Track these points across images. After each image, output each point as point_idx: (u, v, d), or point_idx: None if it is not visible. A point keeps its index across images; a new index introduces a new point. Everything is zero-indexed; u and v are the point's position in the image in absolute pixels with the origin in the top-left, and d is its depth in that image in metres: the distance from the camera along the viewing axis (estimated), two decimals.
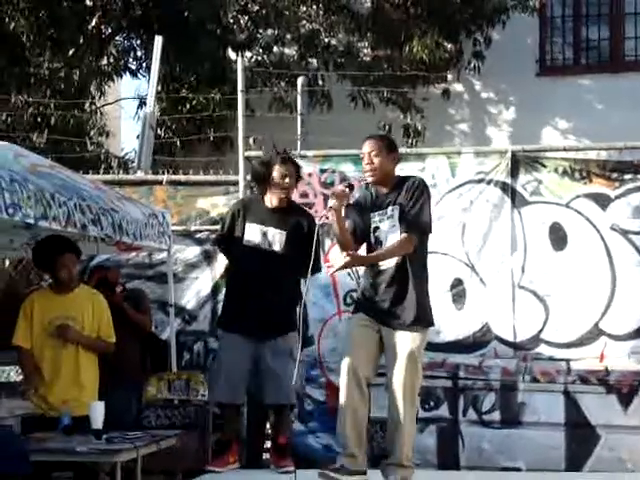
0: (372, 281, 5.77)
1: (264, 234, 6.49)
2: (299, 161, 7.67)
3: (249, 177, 7.87)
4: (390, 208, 5.72)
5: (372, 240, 5.80)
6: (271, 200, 6.55)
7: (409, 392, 5.57)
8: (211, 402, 6.73)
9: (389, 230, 5.71)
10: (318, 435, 7.55)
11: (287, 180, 6.49)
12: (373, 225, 5.79)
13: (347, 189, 5.73)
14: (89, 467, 5.73)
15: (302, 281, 6.38)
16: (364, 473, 5.61)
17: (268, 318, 6.36)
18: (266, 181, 6.55)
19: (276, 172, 6.50)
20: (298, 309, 6.50)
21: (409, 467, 5.67)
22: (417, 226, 5.71)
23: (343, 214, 5.71)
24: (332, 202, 5.67)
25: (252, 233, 6.51)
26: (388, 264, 5.69)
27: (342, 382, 5.67)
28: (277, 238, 6.49)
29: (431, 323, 5.80)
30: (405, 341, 5.59)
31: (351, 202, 5.86)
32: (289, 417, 6.91)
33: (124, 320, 6.88)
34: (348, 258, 5.62)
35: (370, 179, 5.80)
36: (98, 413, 5.78)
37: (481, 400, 7.19)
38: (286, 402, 6.52)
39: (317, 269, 6.42)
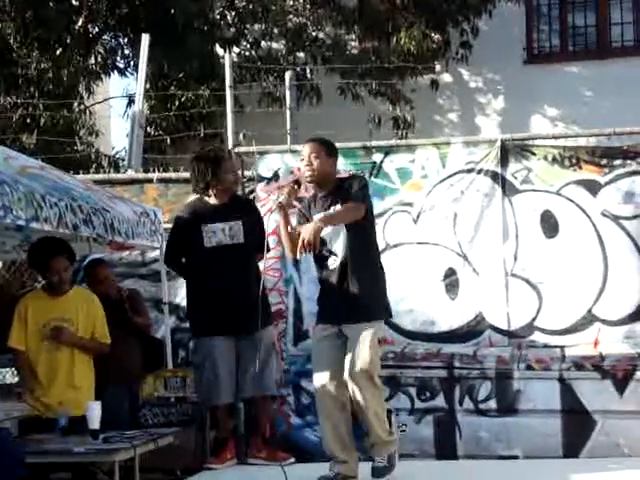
0: (323, 283, 6.01)
1: (223, 230, 6.53)
2: (289, 156, 7.71)
3: (239, 172, 7.90)
4: (332, 208, 5.88)
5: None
6: (219, 196, 6.60)
7: (368, 378, 5.76)
8: (202, 405, 6.73)
9: (331, 231, 5.85)
10: (315, 428, 7.55)
11: (237, 173, 6.71)
12: None
13: (295, 185, 5.92)
14: (87, 467, 5.74)
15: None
16: (356, 477, 5.89)
17: (246, 313, 6.38)
18: (212, 178, 6.60)
19: (226, 166, 6.58)
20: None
21: (390, 441, 5.92)
22: (361, 199, 5.88)
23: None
24: (281, 197, 5.86)
25: (211, 233, 6.53)
26: (334, 264, 5.89)
27: (317, 397, 5.96)
28: (236, 230, 6.55)
29: (386, 314, 6.07)
30: (360, 333, 5.78)
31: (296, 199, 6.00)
32: (272, 409, 6.92)
33: (121, 319, 6.90)
34: (319, 224, 5.69)
35: (308, 179, 5.97)
36: (95, 413, 5.78)
37: (477, 389, 7.19)
38: (263, 392, 6.60)
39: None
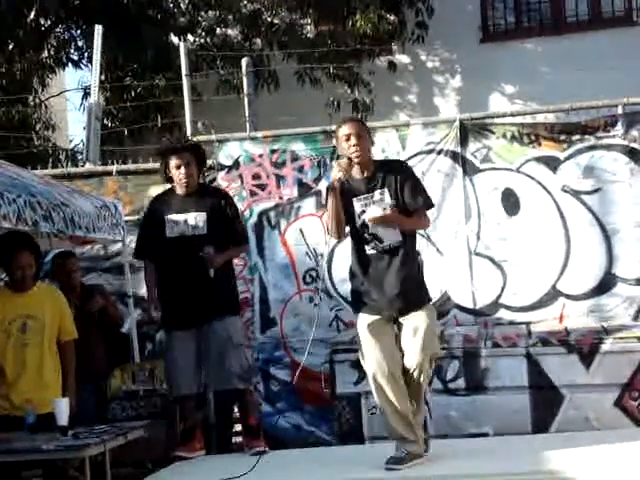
0: (368, 270, 5.73)
1: (185, 221, 6.44)
2: (249, 143, 7.67)
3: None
4: (378, 192, 5.66)
5: (358, 224, 5.72)
6: (181, 188, 6.52)
7: (426, 373, 5.74)
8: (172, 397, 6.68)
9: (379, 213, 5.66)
10: (286, 415, 7.55)
11: (182, 170, 6.43)
12: (358, 210, 5.71)
13: (349, 161, 5.66)
14: (58, 464, 5.70)
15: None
16: (422, 456, 5.82)
17: (203, 303, 6.32)
18: (168, 170, 6.53)
19: (171, 163, 6.48)
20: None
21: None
22: (429, 205, 5.79)
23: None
24: (337, 174, 5.60)
25: (172, 224, 6.46)
26: (383, 248, 5.68)
27: (376, 384, 5.73)
28: (198, 221, 6.45)
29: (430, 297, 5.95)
30: (418, 321, 5.67)
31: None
32: (253, 398, 6.87)
33: (88, 313, 6.86)
34: (389, 211, 5.59)
35: (357, 159, 5.67)
36: (63, 409, 5.72)
37: (445, 369, 7.19)
38: (228, 387, 6.46)
39: (245, 240, 6.82)
